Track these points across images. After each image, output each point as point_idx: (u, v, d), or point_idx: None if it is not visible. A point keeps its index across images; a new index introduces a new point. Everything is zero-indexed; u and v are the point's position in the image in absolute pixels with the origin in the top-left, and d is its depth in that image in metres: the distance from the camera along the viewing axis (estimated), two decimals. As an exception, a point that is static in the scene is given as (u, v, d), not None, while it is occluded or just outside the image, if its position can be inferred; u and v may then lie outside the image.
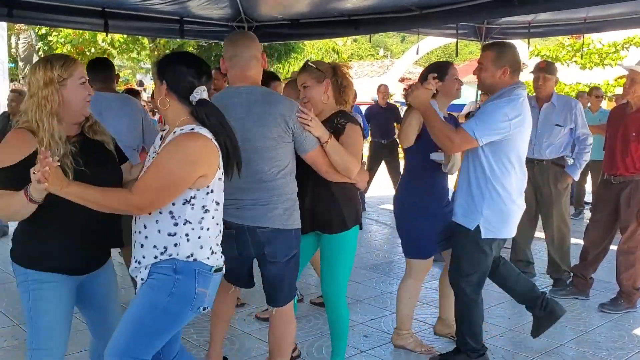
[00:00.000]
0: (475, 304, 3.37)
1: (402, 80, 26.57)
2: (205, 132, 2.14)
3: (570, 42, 14.64)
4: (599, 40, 14.13)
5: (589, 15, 6.48)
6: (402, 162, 8.95)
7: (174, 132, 2.17)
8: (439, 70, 3.42)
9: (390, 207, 9.22)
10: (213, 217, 2.22)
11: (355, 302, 4.61)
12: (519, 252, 5.22)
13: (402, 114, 10.64)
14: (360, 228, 3.14)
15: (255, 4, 6.36)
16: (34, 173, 1.95)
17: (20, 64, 15.11)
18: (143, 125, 4.28)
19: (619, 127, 4.58)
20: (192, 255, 2.17)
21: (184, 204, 2.14)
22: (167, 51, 18.11)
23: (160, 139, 2.29)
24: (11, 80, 14.92)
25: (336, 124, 2.96)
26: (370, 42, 9.09)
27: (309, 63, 3.07)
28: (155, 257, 2.16)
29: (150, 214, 2.15)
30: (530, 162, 4.92)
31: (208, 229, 2.20)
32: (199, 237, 2.18)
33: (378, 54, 40.09)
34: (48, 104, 2.18)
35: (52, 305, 2.29)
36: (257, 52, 2.83)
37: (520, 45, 15.90)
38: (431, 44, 19.84)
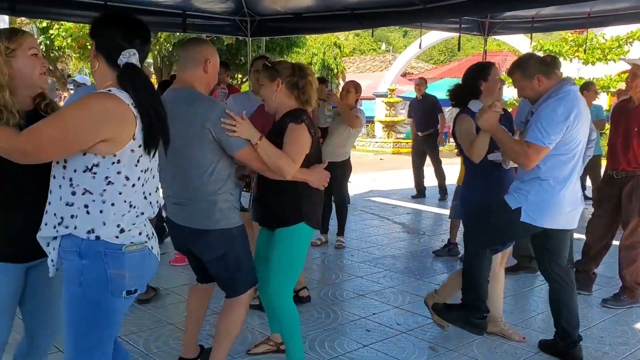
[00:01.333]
0: (483, 265, 3.47)
1: (403, 74, 26.51)
2: (123, 96, 1.94)
3: (573, 37, 14.58)
4: (602, 35, 14.07)
5: (593, 10, 6.45)
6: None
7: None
8: (481, 71, 3.62)
9: (392, 201, 9.28)
10: (120, 193, 1.98)
11: (357, 297, 4.62)
12: (521, 247, 5.21)
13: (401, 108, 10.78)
14: (316, 228, 3.11)
15: (258, -3, 6.35)
16: None
17: (22, 57, 15.05)
18: None
19: (621, 122, 4.57)
20: (92, 231, 1.94)
21: (84, 171, 1.93)
22: (169, 45, 18.09)
23: None
24: (13, 74, 14.91)
25: (283, 123, 3.00)
26: (372, 36, 9.04)
27: (266, 62, 3.15)
28: (54, 228, 1.96)
29: (54, 179, 1.99)
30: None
31: (113, 204, 1.96)
32: (101, 212, 1.95)
33: (380, 48, 40.01)
34: None
35: None
36: (197, 54, 2.83)
37: (523, 40, 15.90)
38: (433, 38, 19.78)
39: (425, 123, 9.06)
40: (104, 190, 1.96)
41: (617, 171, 4.52)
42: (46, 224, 1.99)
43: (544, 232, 3.39)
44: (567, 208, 3.33)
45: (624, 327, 4.09)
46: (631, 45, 13.88)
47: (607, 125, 8.35)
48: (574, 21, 7.03)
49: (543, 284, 4.95)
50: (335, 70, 23.45)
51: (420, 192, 9.49)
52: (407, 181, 11.27)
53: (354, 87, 5.96)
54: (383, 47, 38.76)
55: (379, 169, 14.29)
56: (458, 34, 7.68)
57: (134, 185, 2.02)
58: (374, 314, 4.25)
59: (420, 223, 7.73)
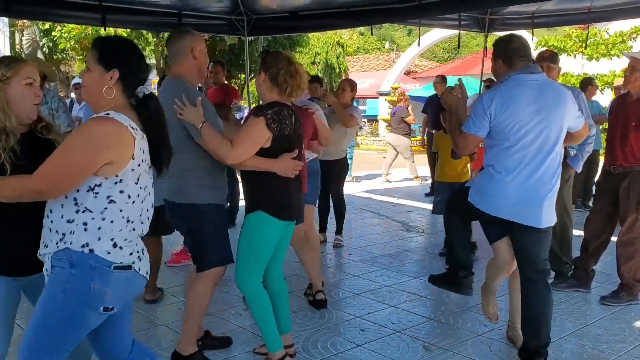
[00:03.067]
0: (456, 229, 3.58)
1: (407, 73, 26.42)
2: (121, 118, 2.03)
3: (577, 32, 14.47)
4: (606, 30, 13.97)
5: (594, 5, 6.39)
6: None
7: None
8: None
9: (392, 199, 9.23)
10: (121, 210, 2.06)
11: (353, 296, 4.58)
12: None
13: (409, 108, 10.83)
14: (280, 217, 3.10)
15: (254, -4, 6.32)
16: None
17: (24, 60, 15.11)
18: None
19: (619, 117, 4.51)
20: (87, 245, 2.01)
21: (87, 191, 2.02)
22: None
23: None
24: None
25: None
26: (371, 34, 8.97)
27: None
28: (57, 244, 2.04)
29: (55, 199, 2.06)
30: (530, 153, 4.86)
31: (112, 221, 2.04)
32: (99, 228, 2.03)
33: (384, 47, 39.92)
34: None
35: None
36: (182, 47, 3.12)
37: (527, 37, 15.72)
38: (435, 36, 19.68)
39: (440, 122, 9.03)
40: (105, 208, 2.04)
41: (615, 166, 4.46)
42: (50, 241, 2.06)
43: (509, 232, 3.37)
44: (511, 198, 3.19)
45: (622, 324, 4.03)
46: (635, 41, 13.77)
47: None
48: (575, 16, 6.95)
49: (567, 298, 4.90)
50: (338, 70, 23.39)
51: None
52: (409, 179, 11.24)
53: (350, 85, 5.92)
54: (387, 45, 38.66)
55: (380, 167, 14.21)
56: (458, 31, 7.64)
57: (134, 202, 2.10)
58: (369, 313, 4.21)
59: (420, 221, 7.68)
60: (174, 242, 5.61)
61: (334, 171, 5.87)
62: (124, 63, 2.12)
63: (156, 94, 2.29)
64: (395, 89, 20.77)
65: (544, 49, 12.90)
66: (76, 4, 5.72)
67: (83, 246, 2.01)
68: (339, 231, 6.22)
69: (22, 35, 14.72)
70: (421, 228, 7.22)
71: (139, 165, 2.08)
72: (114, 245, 2.05)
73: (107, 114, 2.03)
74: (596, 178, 7.86)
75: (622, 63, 14.85)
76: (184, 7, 6.36)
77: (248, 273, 3.14)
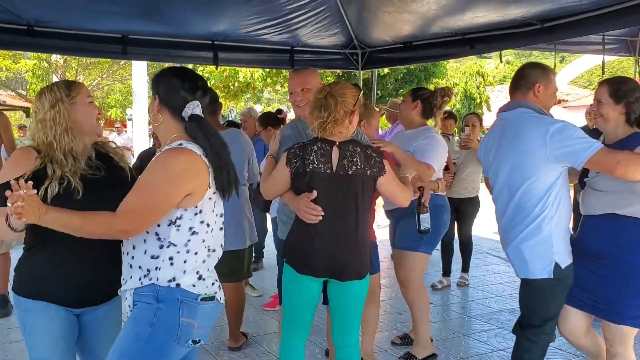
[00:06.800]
0: None
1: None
2: (194, 147, 2.03)
3: None
4: None
5: None
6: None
7: (162, 150, 2.07)
8: None
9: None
10: (203, 240, 2.07)
11: (457, 360, 4.01)
12: None
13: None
14: (296, 269, 2.72)
15: (367, 29, 6.08)
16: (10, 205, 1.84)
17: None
18: (249, 161, 4.28)
19: None
20: (173, 279, 2.01)
21: (169, 225, 2.01)
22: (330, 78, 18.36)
23: None
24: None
25: None
26: (500, 62, 8.24)
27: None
28: (140, 280, 2.03)
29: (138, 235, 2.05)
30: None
31: (196, 252, 2.05)
32: (185, 261, 2.03)
33: (532, 75, 37.91)
34: (57, 125, 2.19)
35: (44, 338, 2.21)
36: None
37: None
38: (588, 62, 18.23)
39: None
40: (189, 240, 2.04)
41: None
42: (131, 277, 2.05)
43: None
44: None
45: None
46: None
47: None
48: None
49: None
50: (479, 100, 22.45)
51: None
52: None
53: (479, 120, 5.69)
54: (535, 74, 36.64)
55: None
56: (602, 56, 6.78)
57: (212, 230, 2.12)
58: (471, 384, 3.63)
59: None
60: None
61: (466, 210, 5.69)
62: (162, 86, 2.12)
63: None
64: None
65: None
66: (190, 44, 5.85)
67: (170, 281, 2.01)
68: (465, 269, 5.97)
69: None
70: (554, 278, 6.37)
71: (214, 192, 2.10)
72: (200, 277, 2.06)
73: (180, 144, 2.04)
74: None
75: None
76: (296, 43, 6.26)
77: (286, 336, 2.82)
